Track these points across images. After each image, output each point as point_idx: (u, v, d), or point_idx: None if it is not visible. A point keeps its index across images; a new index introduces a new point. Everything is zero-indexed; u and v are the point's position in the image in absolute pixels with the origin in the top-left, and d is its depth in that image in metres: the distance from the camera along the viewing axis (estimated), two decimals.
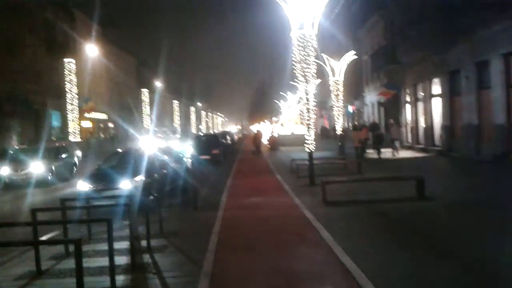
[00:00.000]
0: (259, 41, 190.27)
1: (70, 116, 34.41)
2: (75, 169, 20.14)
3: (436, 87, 21.68)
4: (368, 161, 18.98)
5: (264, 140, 36.30)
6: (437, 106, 21.71)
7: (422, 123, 23.72)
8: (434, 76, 21.64)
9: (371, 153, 21.55)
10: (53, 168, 17.67)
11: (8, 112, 30.65)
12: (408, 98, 25.80)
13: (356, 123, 24.95)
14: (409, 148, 24.81)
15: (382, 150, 20.70)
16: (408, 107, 25.97)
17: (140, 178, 11.12)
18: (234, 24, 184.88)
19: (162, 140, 33.47)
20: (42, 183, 16.59)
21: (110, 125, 56.63)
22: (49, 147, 20.07)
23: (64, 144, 23.61)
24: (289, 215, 9.36)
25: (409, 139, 25.74)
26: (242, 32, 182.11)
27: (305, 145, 13.50)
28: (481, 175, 14.05)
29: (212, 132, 64.16)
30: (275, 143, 33.16)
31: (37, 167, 16.88)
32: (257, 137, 30.38)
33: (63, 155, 19.57)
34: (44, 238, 7.76)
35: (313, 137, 13.34)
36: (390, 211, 9.21)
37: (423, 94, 23.23)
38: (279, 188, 13.33)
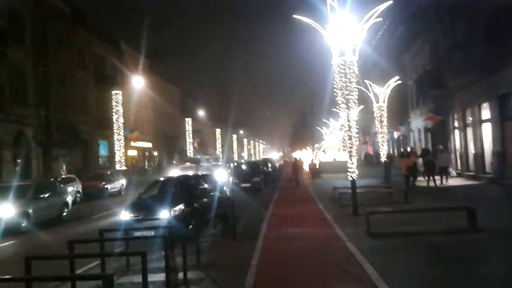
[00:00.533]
0: (300, 68, 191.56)
1: (116, 145, 35.44)
2: (66, 211, 16.48)
3: (486, 112, 20.76)
4: (416, 190, 18.19)
5: (305, 168, 35.81)
6: (487, 131, 20.74)
7: (471, 150, 22.70)
8: (483, 101, 20.76)
9: (421, 181, 20.61)
10: (30, 211, 14.06)
11: (58, 142, 31.89)
12: (456, 124, 24.85)
13: (402, 149, 23.74)
14: (458, 175, 23.74)
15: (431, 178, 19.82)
16: (456, 133, 24.99)
17: (179, 207, 11.07)
18: (274, 53, 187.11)
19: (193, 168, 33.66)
20: (13, 230, 13.15)
21: (155, 153, 57.84)
22: (25, 184, 16.06)
23: (52, 179, 21.36)
24: (332, 247, 8.97)
25: (459, 166, 24.65)
26: (282, 61, 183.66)
27: (347, 172, 13.11)
28: None
29: (253, 160, 64.25)
30: (315, 170, 32.60)
31: (5, 210, 13.33)
32: (295, 165, 29.38)
33: (47, 194, 15.57)
34: (80, 271, 7.76)
35: (355, 164, 12.93)
36: (440, 244, 8.66)
37: (471, 119, 22.31)
38: (320, 217, 12.93)
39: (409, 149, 29.41)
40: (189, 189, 12.85)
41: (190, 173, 22.85)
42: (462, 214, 9.96)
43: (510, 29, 15.48)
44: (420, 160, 22.02)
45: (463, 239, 8.92)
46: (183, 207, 11.14)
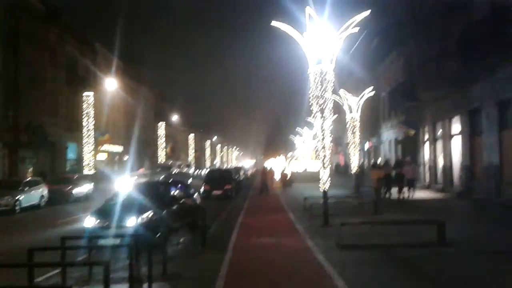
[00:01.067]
0: (276, 77, 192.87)
1: (86, 148, 34.55)
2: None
3: (456, 126, 21.14)
4: (385, 202, 18.29)
5: (277, 177, 35.70)
6: (456, 145, 21.11)
7: (440, 163, 23.06)
8: (454, 115, 21.14)
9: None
10: None
11: (25, 143, 30.91)
12: (426, 136, 25.24)
13: (376, 160, 23.56)
14: (427, 188, 24.06)
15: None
16: (426, 146, 25.38)
17: (147, 214, 10.75)
18: (251, 60, 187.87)
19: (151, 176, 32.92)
20: None
21: (125, 157, 56.82)
22: None
23: None
24: (302, 259, 8.81)
25: (427, 179, 25.01)
26: (259, 67, 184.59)
27: (319, 183, 13.03)
28: (504, 219, 13.35)
29: (225, 167, 63.94)
30: (287, 180, 32.57)
31: None
32: (264, 173, 29.23)
33: None
34: (40, 279, 7.38)
35: (328, 175, 12.87)
36: (410, 257, 8.63)
37: (442, 132, 22.69)
38: (291, 228, 12.80)
39: (379, 160, 29.69)
40: (158, 196, 12.53)
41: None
42: (431, 228, 9.98)
43: (482, 45, 15.77)
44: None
45: (433, 253, 8.91)
46: (151, 214, 10.83)
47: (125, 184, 18.70)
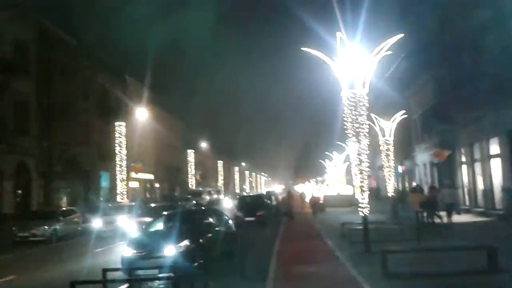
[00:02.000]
0: (304, 101, 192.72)
1: (118, 177, 34.91)
2: None
3: (494, 147, 20.45)
4: (426, 227, 17.62)
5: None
6: (496, 167, 20.37)
7: (480, 185, 22.26)
8: (492, 136, 20.49)
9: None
10: None
11: (59, 173, 31.53)
12: (463, 159, 24.52)
13: (418, 184, 22.23)
14: (467, 211, 23.22)
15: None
16: (464, 168, 24.62)
17: (185, 243, 10.62)
18: (279, 85, 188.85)
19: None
20: None
21: (157, 185, 57.37)
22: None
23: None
24: None
25: (467, 202, 24.16)
26: (287, 92, 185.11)
27: (358, 208, 12.68)
28: None
29: (256, 193, 63.74)
30: (318, 204, 32.04)
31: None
32: (289, 198, 28.66)
33: None
34: None
35: (367, 200, 12.53)
36: (460, 286, 8.18)
37: (480, 154, 21.98)
38: (331, 255, 12.41)
39: (414, 184, 28.88)
40: (193, 224, 12.42)
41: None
42: (480, 253, 9.50)
43: None
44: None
45: (486, 281, 8.45)
46: (188, 243, 10.69)
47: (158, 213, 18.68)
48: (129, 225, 20.05)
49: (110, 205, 27.34)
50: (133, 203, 27.88)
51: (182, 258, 9.90)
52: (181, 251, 10.33)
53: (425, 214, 18.56)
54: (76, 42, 36.18)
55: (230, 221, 15.00)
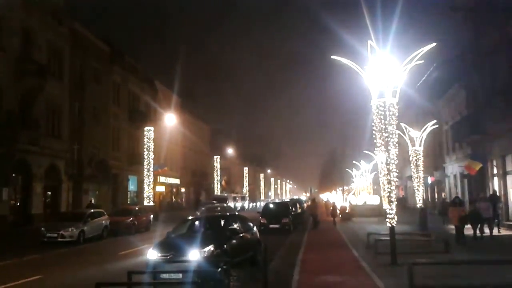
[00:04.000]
0: (331, 110, 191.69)
1: (146, 180, 35.32)
2: None
3: None
4: (454, 239, 17.13)
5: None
6: None
7: None
8: None
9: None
10: None
11: (89, 176, 32.18)
12: (495, 171, 23.82)
13: (457, 196, 20.38)
14: (497, 225, 22.48)
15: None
16: (495, 180, 23.91)
17: (209, 248, 10.63)
18: (306, 94, 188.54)
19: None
20: None
21: (182, 189, 57.86)
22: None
23: None
24: None
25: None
26: (314, 101, 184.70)
27: (386, 218, 12.45)
28: None
29: (282, 200, 63.46)
30: (346, 213, 31.53)
31: None
32: (313, 207, 28.38)
33: None
34: None
35: (395, 210, 12.29)
36: None
37: None
38: (356, 266, 12.21)
39: (443, 196, 27.99)
40: (218, 229, 12.45)
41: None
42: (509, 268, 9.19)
43: None
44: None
45: None
46: (212, 248, 10.71)
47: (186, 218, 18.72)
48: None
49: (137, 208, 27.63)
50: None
51: (206, 263, 9.91)
52: (205, 255, 10.35)
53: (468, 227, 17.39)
54: (109, 48, 37.02)
55: (255, 228, 14.96)
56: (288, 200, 47.73)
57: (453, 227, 18.02)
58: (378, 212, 31.61)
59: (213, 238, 11.30)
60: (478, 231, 17.38)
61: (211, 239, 11.16)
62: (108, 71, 36.73)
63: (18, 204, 26.19)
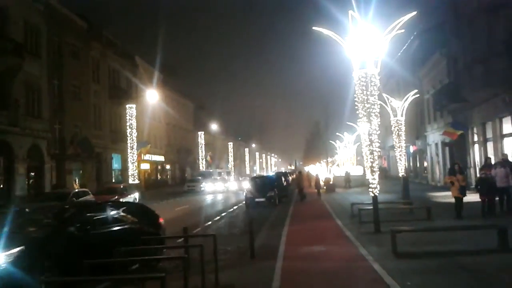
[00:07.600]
0: (313, 81, 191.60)
1: (130, 158, 35.09)
2: None
3: (508, 126, 20.18)
4: (436, 207, 17.51)
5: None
6: (509, 146, 20.13)
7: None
8: (505, 115, 20.19)
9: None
10: None
11: (71, 155, 31.87)
12: (476, 138, 24.25)
13: (457, 164, 15.99)
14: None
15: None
16: (476, 147, 24.37)
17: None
18: (289, 66, 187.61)
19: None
20: None
21: (167, 166, 57.74)
22: None
23: None
24: (357, 268, 8.49)
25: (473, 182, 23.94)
26: (297, 73, 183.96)
27: (369, 189, 12.65)
28: None
29: (267, 174, 63.76)
30: (330, 184, 31.99)
31: None
32: (298, 179, 29.06)
33: None
34: None
35: (377, 180, 12.48)
36: (471, 265, 8.15)
37: (492, 133, 21.71)
38: (341, 235, 12.45)
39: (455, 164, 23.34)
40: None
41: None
42: (491, 233, 9.47)
43: None
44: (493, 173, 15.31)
45: (496, 260, 8.41)
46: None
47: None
48: None
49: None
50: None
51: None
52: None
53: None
54: (86, 24, 36.16)
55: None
56: (274, 173, 48.05)
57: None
58: (361, 183, 32.13)
59: None
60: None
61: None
62: (86, 47, 35.96)
63: (1, 186, 25.87)
